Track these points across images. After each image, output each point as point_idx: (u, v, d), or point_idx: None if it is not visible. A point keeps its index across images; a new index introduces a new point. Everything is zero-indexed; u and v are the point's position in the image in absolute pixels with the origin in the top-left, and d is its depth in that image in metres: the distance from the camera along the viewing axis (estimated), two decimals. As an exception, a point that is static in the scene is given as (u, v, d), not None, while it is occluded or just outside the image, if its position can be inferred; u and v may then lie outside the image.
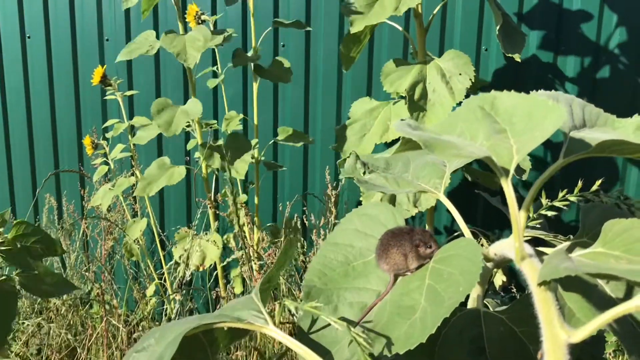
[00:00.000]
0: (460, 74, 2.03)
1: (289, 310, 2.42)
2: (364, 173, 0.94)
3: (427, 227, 2.48)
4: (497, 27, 2.04)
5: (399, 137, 2.24)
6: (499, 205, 1.19)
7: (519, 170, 2.15)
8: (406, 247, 0.73)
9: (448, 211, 2.75)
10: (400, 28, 2.35)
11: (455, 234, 2.56)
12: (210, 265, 2.55)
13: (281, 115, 2.98)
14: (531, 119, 0.59)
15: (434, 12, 2.28)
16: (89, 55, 3.04)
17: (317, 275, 0.76)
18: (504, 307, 0.99)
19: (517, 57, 2.08)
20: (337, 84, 2.93)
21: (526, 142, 0.57)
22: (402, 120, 0.62)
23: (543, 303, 0.53)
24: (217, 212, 2.57)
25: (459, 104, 2.11)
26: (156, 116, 2.18)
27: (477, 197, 2.89)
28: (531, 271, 0.56)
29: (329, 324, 0.72)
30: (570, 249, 0.75)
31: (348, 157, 2.08)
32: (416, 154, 1.03)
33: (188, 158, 2.78)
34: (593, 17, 2.71)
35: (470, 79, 2.02)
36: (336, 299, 0.74)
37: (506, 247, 0.67)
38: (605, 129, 0.72)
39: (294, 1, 2.88)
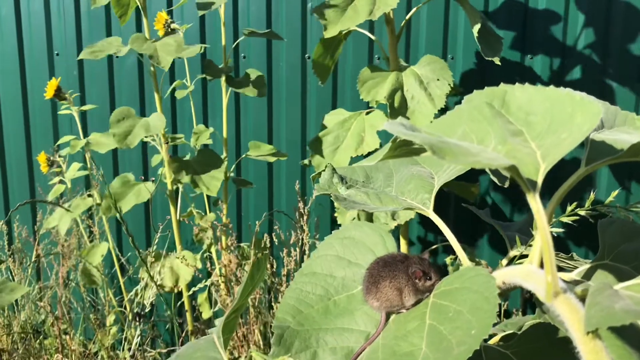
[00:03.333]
0: (438, 80, 1.93)
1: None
2: (341, 188, 0.82)
3: (400, 239, 2.36)
4: (476, 30, 1.95)
5: (376, 149, 2.14)
6: (487, 219, 1.08)
7: (501, 177, 2.04)
8: (401, 279, 0.60)
9: (420, 223, 2.63)
10: (370, 35, 2.26)
11: (433, 247, 2.45)
12: (174, 293, 2.40)
13: (243, 129, 2.85)
14: (554, 118, 0.47)
15: (407, 17, 2.18)
16: (38, 70, 2.87)
17: (291, 313, 0.63)
18: (502, 334, 0.88)
19: (497, 61, 2.00)
20: (302, 95, 2.81)
21: (552, 146, 0.45)
22: (392, 120, 0.50)
23: (594, 357, 0.41)
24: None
25: (441, 110, 2.01)
26: (114, 125, 2.03)
27: (448, 209, 2.79)
28: (571, 313, 0.44)
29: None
30: (590, 274, 0.64)
31: (323, 170, 1.95)
32: (399, 164, 0.91)
33: (143, 177, 2.62)
34: (559, 16, 2.64)
35: (449, 84, 1.93)
36: (315, 342, 0.61)
37: (519, 274, 0.55)
38: (626, 128, 0.61)
39: (254, 11, 2.76)
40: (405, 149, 0.52)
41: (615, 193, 0.80)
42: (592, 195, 0.79)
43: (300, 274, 0.66)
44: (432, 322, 0.54)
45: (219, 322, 0.62)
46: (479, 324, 0.49)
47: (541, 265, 0.58)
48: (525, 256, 0.95)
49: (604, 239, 0.64)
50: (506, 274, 0.57)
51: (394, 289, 0.60)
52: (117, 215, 2.17)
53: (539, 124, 0.48)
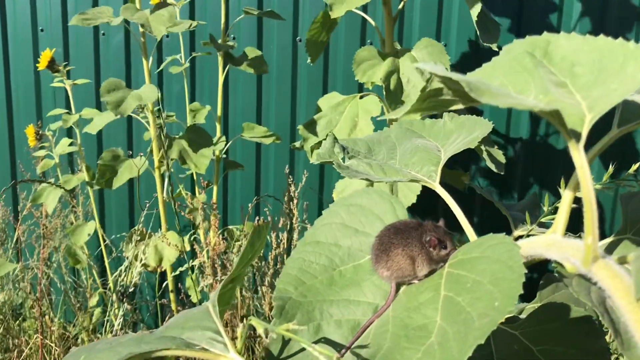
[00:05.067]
0: (435, 63, 1.89)
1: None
2: (343, 159, 0.77)
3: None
4: (475, 14, 1.90)
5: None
6: (491, 198, 1.04)
7: (499, 164, 2.00)
8: (414, 247, 0.56)
9: (407, 208, 2.59)
10: (366, 16, 2.21)
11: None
12: (157, 273, 2.35)
13: (232, 110, 2.80)
14: (603, 69, 0.43)
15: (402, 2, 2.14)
16: (22, 47, 2.80)
17: (293, 283, 0.58)
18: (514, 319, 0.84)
19: (495, 47, 1.96)
20: (292, 78, 2.76)
21: (600, 97, 0.41)
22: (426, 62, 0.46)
23: (645, 325, 0.37)
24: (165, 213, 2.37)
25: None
26: (106, 95, 1.97)
27: (438, 198, 2.75)
28: (613, 279, 0.40)
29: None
30: (611, 248, 0.60)
31: (319, 142, 1.88)
32: (402, 137, 0.87)
33: (131, 152, 2.57)
34: (555, 3, 2.61)
35: (447, 68, 1.88)
36: (319, 315, 0.56)
37: (542, 244, 0.51)
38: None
39: (246, -8, 2.70)
40: (433, 100, 0.48)
41: (635, 166, 0.77)
42: (610, 169, 0.75)
43: (303, 243, 0.61)
44: (448, 293, 0.50)
45: (214, 292, 0.57)
46: (503, 295, 0.45)
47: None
48: (531, 236, 0.92)
49: (626, 213, 0.60)
50: (526, 245, 0.53)
51: (406, 257, 0.55)
52: (113, 188, 2.12)
53: (585, 75, 0.44)
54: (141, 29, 1.95)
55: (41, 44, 2.79)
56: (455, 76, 0.39)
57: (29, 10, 2.77)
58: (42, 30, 2.79)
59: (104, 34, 2.76)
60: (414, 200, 1.86)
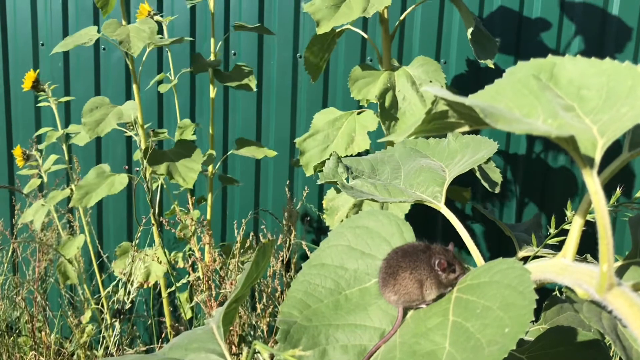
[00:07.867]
0: (430, 81, 1.89)
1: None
2: (347, 179, 0.77)
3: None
4: (469, 32, 1.91)
5: (366, 150, 2.09)
6: (492, 216, 1.04)
7: (492, 183, 1.98)
8: (422, 270, 0.55)
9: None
10: (364, 34, 2.21)
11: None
12: (156, 289, 2.33)
13: (232, 126, 2.80)
14: (611, 92, 0.42)
15: (401, 17, 2.14)
16: (22, 61, 2.80)
17: (299, 307, 0.57)
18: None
19: (490, 63, 1.96)
20: (292, 94, 2.76)
21: (611, 121, 0.40)
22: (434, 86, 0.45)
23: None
24: (161, 229, 2.36)
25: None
26: (87, 115, 1.96)
27: (436, 216, 2.74)
28: (631, 307, 0.39)
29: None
30: (621, 272, 0.60)
31: (322, 162, 1.87)
32: (406, 157, 0.86)
33: (127, 167, 2.56)
34: (552, 25, 2.61)
35: (442, 86, 1.89)
36: (324, 340, 0.55)
37: (553, 269, 0.51)
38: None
39: (246, 8, 2.71)
40: (438, 123, 0.47)
41: (641, 191, 0.76)
42: (618, 191, 0.74)
43: (309, 266, 0.60)
44: (457, 318, 0.49)
45: (218, 312, 0.56)
46: (513, 322, 0.44)
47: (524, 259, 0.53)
48: (537, 257, 0.91)
49: (635, 237, 0.59)
50: (537, 270, 0.52)
51: (414, 281, 0.55)
52: (89, 206, 2.10)
53: (593, 99, 0.43)
54: (120, 47, 1.93)
55: (42, 58, 2.79)
56: (469, 101, 0.38)
57: (30, 24, 2.77)
58: (42, 44, 2.79)
59: (104, 49, 2.76)
60: (406, 211, 1.86)
